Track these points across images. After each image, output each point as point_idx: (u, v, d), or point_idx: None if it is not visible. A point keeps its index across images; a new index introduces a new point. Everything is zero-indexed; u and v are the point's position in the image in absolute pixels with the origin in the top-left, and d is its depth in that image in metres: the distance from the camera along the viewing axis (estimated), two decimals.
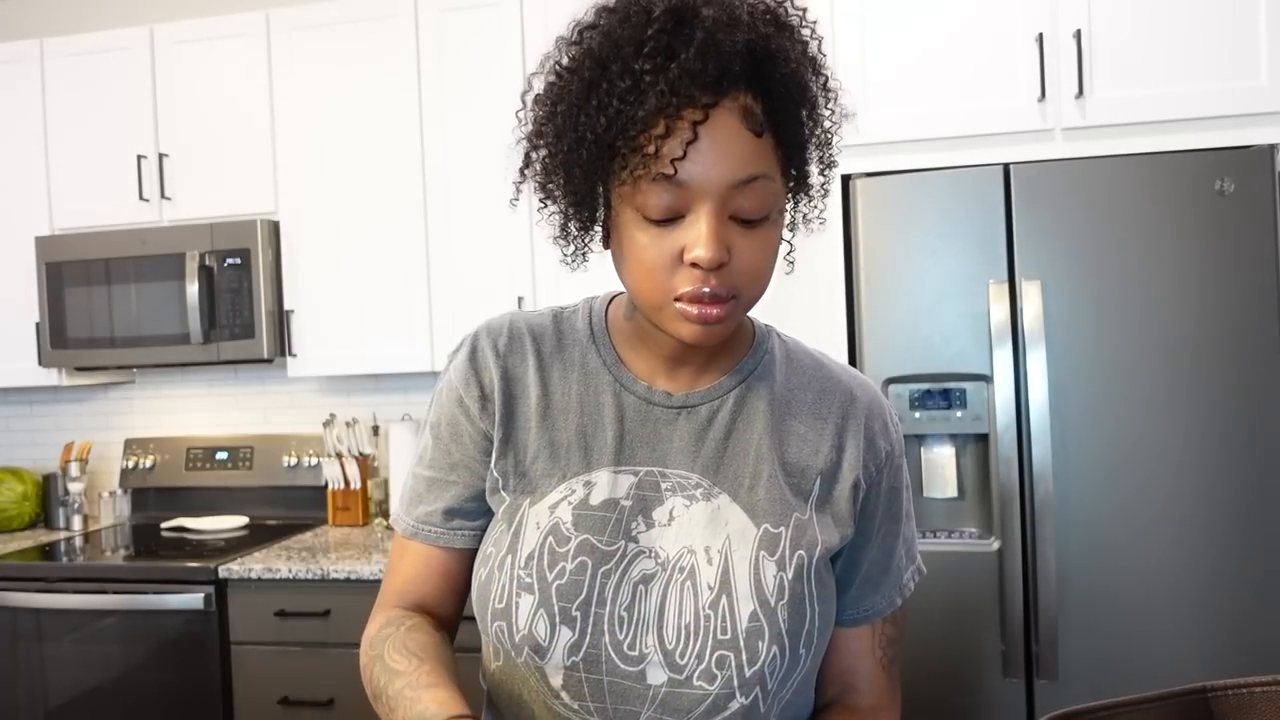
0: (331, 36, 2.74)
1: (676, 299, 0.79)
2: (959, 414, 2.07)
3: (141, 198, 2.86)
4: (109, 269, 2.82)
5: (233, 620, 2.46)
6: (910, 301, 2.09)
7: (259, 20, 2.79)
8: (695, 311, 0.78)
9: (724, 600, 0.83)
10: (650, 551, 0.85)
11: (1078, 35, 2.05)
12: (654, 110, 0.75)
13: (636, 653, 0.82)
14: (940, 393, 2.08)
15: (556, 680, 0.84)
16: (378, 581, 2.37)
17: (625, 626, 0.83)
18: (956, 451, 2.12)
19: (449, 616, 0.95)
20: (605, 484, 0.87)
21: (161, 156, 2.85)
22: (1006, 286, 2.04)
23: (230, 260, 2.74)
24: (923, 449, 2.13)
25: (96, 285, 2.84)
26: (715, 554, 0.84)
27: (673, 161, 0.75)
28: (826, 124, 0.83)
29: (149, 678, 2.50)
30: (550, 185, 0.83)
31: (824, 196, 0.88)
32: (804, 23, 0.82)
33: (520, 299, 2.63)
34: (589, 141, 0.77)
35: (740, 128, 0.76)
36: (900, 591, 0.94)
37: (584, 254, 0.87)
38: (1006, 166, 2.05)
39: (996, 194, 2.05)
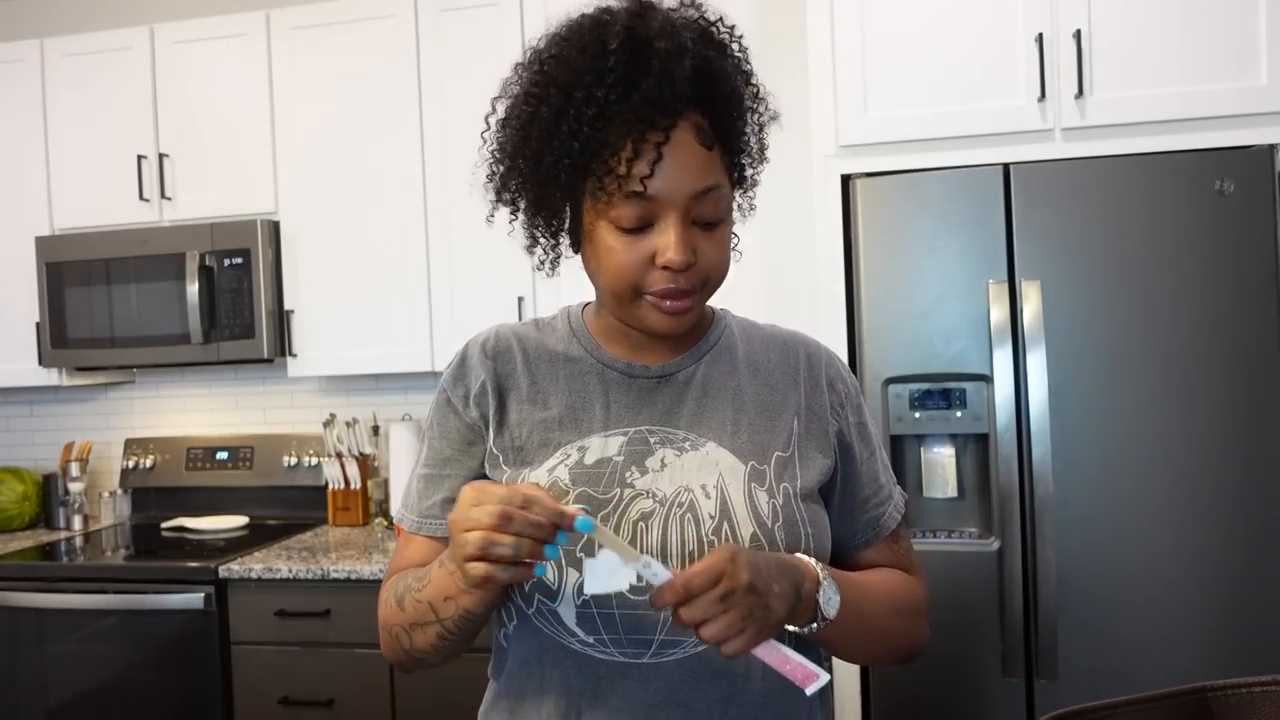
0: (331, 36, 2.74)
1: (648, 294, 0.90)
2: (959, 414, 2.07)
3: (141, 198, 2.86)
4: (109, 269, 2.82)
5: (233, 620, 2.47)
6: (910, 301, 2.08)
7: (259, 20, 2.79)
8: (667, 304, 0.90)
9: (725, 526, 0.91)
10: (648, 493, 0.93)
11: (1078, 35, 2.04)
12: (621, 135, 0.85)
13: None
14: (940, 393, 2.08)
15: (570, 618, 0.91)
16: (378, 582, 2.36)
17: None
18: (956, 451, 2.12)
19: None
20: (597, 446, 0.95)
21: (161, 156, 2.85)
22: (1006, 286, 2.03)
23: (230, 260, 2.74)
24: (923, 449, 2.13)
25: (96, 285, 2.84)
26: (712, 489, 0.93)
27: (642, 180, 0.86)
28: (760, 126, 0.95)
29: (149, 678, 2.50)
30: (523, 202, 0.94)
31: (754, 186, 1.00)
32: (732, 38, 0.93)
33: (520, 299, 2.63)
34: (565, 165, 0.87)
35: (695, 144, 0.87)
36: (896, 507, 1.06)
37: (556, 260, 0.98)
38: (1006, 166, 2.05)
39: (996, 194, 2.05)
